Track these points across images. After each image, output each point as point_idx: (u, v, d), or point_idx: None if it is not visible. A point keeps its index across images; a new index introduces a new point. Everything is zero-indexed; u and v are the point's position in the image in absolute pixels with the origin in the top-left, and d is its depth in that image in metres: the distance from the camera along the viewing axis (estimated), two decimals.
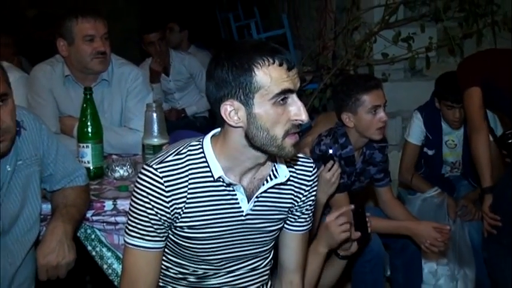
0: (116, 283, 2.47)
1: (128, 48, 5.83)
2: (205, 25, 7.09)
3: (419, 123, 3.76)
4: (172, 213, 1.80)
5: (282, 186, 1.92)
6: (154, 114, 2.75)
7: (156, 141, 2.74)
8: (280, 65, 1.67)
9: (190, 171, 1.81)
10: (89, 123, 2.71)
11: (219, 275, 1.97)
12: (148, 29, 5.18)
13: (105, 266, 2.47)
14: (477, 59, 3.50)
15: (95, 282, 3.39)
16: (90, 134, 2.71)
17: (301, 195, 1.98)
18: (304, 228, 2.06)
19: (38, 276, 2.19)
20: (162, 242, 1.86)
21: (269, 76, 1.66)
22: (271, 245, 2.03)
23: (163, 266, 1.97)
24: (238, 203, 1.86)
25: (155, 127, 2.75)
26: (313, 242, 2.48)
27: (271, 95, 1.67)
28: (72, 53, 3.07)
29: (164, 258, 1.95)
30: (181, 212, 1.81)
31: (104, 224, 2.46)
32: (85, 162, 2.68)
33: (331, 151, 2.90)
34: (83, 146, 2.70)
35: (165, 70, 5.12)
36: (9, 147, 2.06)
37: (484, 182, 3.28)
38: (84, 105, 2.73)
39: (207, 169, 1.81)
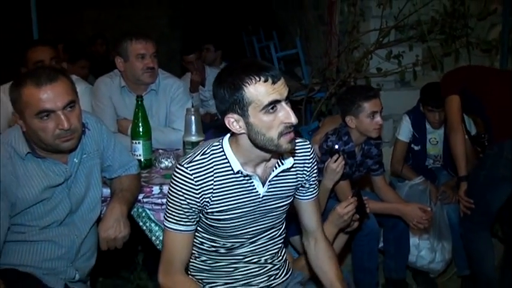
0: None
1: (171, 65, 5.85)
2: (234, 46, 7.09)
3: (407, 124, 3.74)
4: (201, 202, 1.81)
5: (288, 171, 1.91)
6: (193, 117, 2.75)
7: (194, 138, 2.74)
8: (266, 81, 1.67)
9: (214, 167, 1.81)
10: (140, 124, 2.71)
11: (244, 245, 1.96)
12: (187, 51, 5.20)
13: (153, 238, 2.48)
14: (456, 72, 3.50)
15: (145, 251, 3.40)
16: (141, 133, 2.71)
17: (306, 172, 1.97)
18: (314, 195, 2.05)
19: (100, 247, 2.21)
20: (194, 226, 1.87)
21: (257, 92, 1.66)
22: (283, 218, 2.02)
23: (199, 241, 1.97)
24: (255, 188, 1.86)
25: (193, 127, 2.75)
26: (325, 224, 2.47)
27: (261, 106, 1.67)
28: (127, 68, 3.07)
29: (200, 235, 1.95)
30: (210, 201, 1.82)
31: (152, 204, 2.46)
32: (137, 155, 2.68)
33: (336, 146, 2.88)
34: (136, 143, 2.71)
35: (202, 82, 5.13)
36: (76, 144, 2.08)
37: (460, 171, 3.26)
38: (137, 110, 2.74)
39: (228, 164, 1.81)
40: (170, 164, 2.74)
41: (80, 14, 8.21)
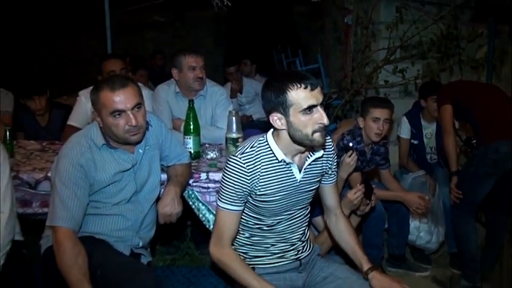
0: (207, 226, 2.48)
1: (216, 76, 5.86)
2: (266, 61, 7.08)
3: (406, 124, 3.71)
4: (251, 186, 1.81)
5: (317, 160, 1.91)
6: (234, 118, 2.76)
7: (234, 135, 2.75)
8: (305, 88, 1.68)
9: (261, 157, 1.82)
10: (191, 123, 2.73)
11: (282, 223, 1.96)
12: (228, 64, 5.22)
13: (200, 215, 2.49)
14: (449, 86, 3.44)
15: (193, 225, 3.42)
16: (191, 130, 2.72)
17: (330, 161, 1.98)
18: (335, 180, 2.05)
19: (158, 221, 2.23)
20: (242, 206, 1.87)
21: (298, 96, 1.68)
22: (310, 200, 2.02)
23: (245, 220, 1.96)
24: (293, 175, 1.86)
25: (234, 126, 2.76)
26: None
27: (301, 109, 1.69)
28: (181, 78, 3.09)
29: (247, 214, 1.94)
30: (257, 185, 1.82)
31: (200, 188, 2.48)
32: (188, 148, 2.70)
33: (351, 144, 2.86)
34: (187, 138, 2.72)
35: (240, 90, 5.14)
36: (141, 138, 2.11)
37: (452, 167, 3.21)
38: (188, 111, 2.75)
39: (272, 154, 1.82)
40: (215, 156, 2.75)
41: (143, 34, 8.34)
